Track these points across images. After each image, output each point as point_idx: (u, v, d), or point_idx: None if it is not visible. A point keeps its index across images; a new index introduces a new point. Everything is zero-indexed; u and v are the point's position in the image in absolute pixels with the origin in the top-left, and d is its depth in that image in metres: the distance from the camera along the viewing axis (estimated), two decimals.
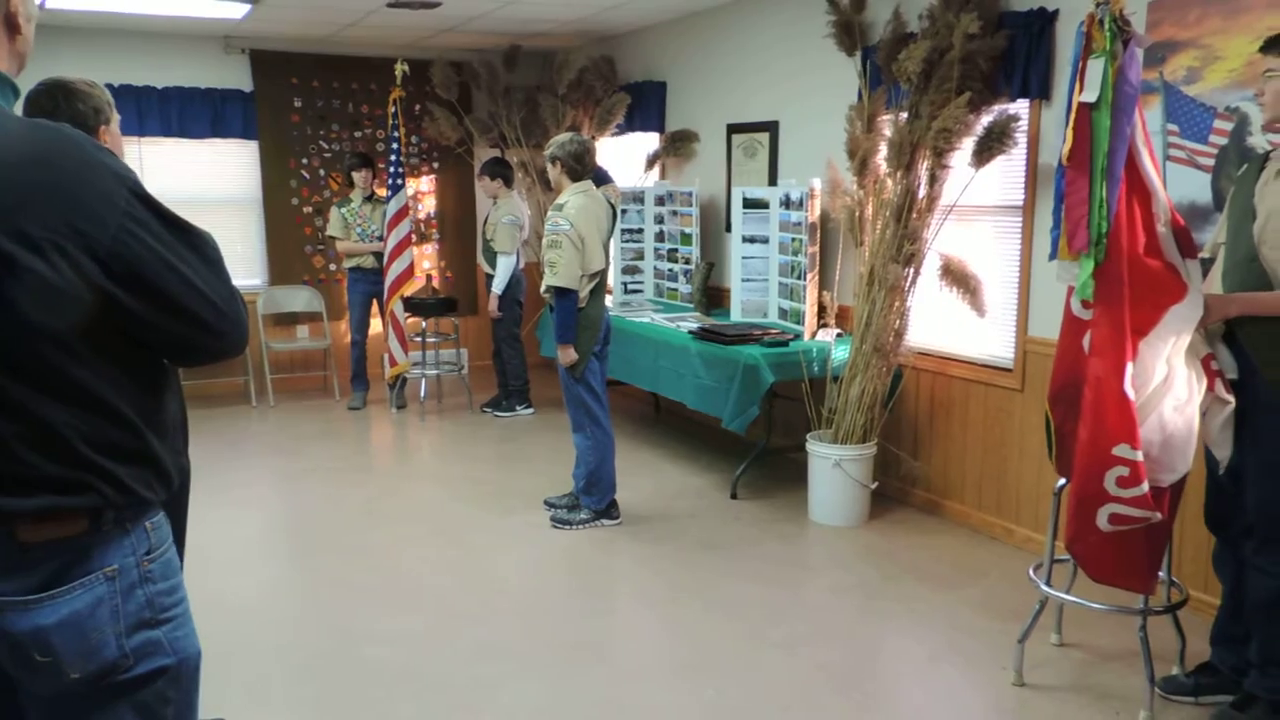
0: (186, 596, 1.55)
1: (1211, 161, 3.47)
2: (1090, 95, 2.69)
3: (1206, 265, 2.94)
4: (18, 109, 2.37)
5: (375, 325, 7.11)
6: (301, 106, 7.46)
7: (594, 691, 3.16)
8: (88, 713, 1.43)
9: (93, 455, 1.37)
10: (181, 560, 2.69)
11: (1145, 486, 2.69)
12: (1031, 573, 3.19)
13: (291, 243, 7.55)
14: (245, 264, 7.49)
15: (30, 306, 1.27)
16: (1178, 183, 3.55)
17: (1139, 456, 2.68)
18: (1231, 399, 2.79)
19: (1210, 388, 2.81)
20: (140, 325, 1.38)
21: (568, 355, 4.43)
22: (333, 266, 7.61)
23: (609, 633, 3.65)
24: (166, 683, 1.47)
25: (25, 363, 1.31)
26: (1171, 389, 2.76)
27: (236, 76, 7.25)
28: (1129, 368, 2.69)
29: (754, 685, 3.18)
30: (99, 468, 1.37)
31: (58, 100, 2.32)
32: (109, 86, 6.68)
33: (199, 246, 1.43)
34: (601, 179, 4.71)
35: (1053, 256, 2.88)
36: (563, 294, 4.37)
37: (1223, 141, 3.43)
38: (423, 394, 7.00)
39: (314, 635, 3.57)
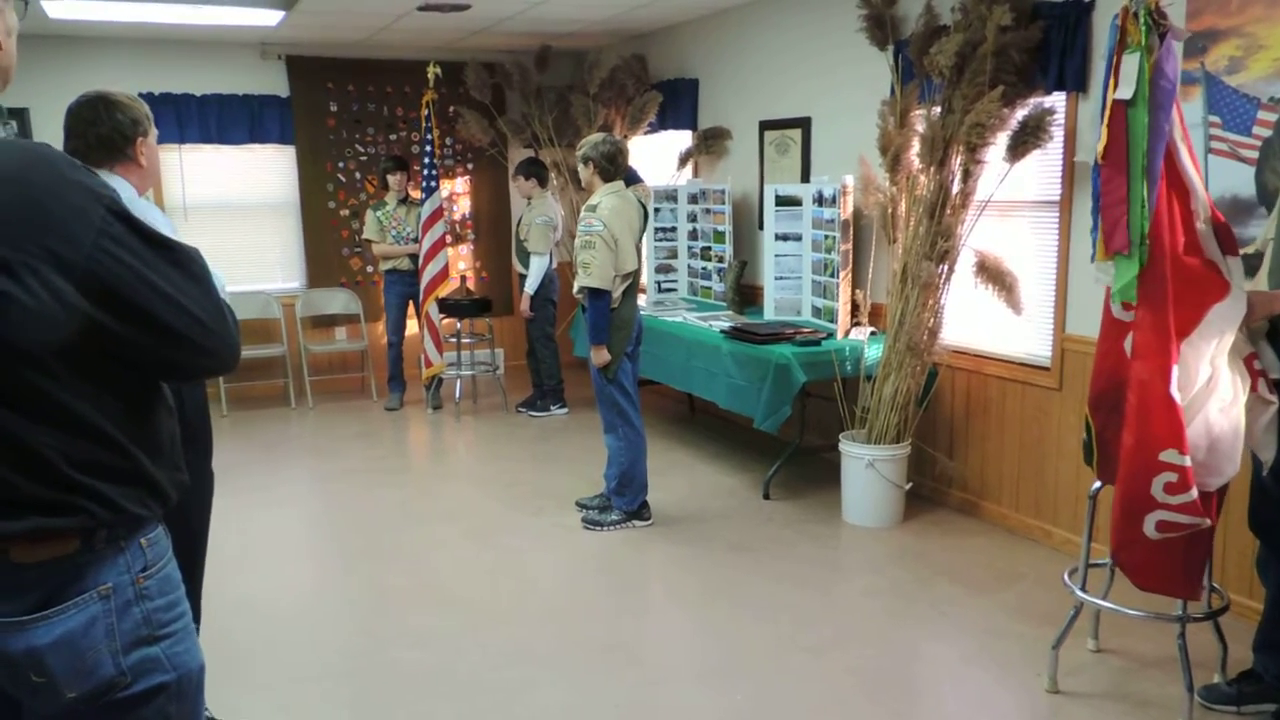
0: (188, 611, 1.53)
1: (1255, 154, 3.36)
2: (1125, 92, 2.62)
3: (1256, 261, 2.86)
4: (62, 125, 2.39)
5: (412, 326, 7.16)
6: (337, 111, 7.53)
7: (623, 694, 3.15)
8: None
9: (79, 476, 1.34)
10: (202, 567, 2.73)
11: (1194, 493, 2.62)
12: (1066, 577, 3.12)
13: (329, 245, 7.63)
14: (284, 267, 7.59)
15: (5, 330, 1.25)
16: (1220, 176, 3.45)
17: (1187, 462, 2.61)
18: (1275, 399, 2.71)
19: (1254, 388, 2.73)
20: (123, 345, 1.35)
21: (600, 356, 4.43)
22: (370, 269, 7.67)
23: (639, 635, 3.64)
24: (167, 699, 1.46)
25: (4, 386, 1.29)
26: (1216, 390, 2.68)
27: (273, 82, 7.33)
28: (1174, 371, 2.62)
29: (783, 689, 3.15)
30: (86, 488, 1.35)
31: (99, 110, 2.39)
32: (149, 95, 6.88)
33: (183, 263, 1.39)
34: (632, 179, 4.70)
35: (1095, 258, 2.81)
36: (596, 294, 4.36)
37: (1266, 133, 3.33)
38: (457, 394, 7.04)
39: (346, 636, 3.60)
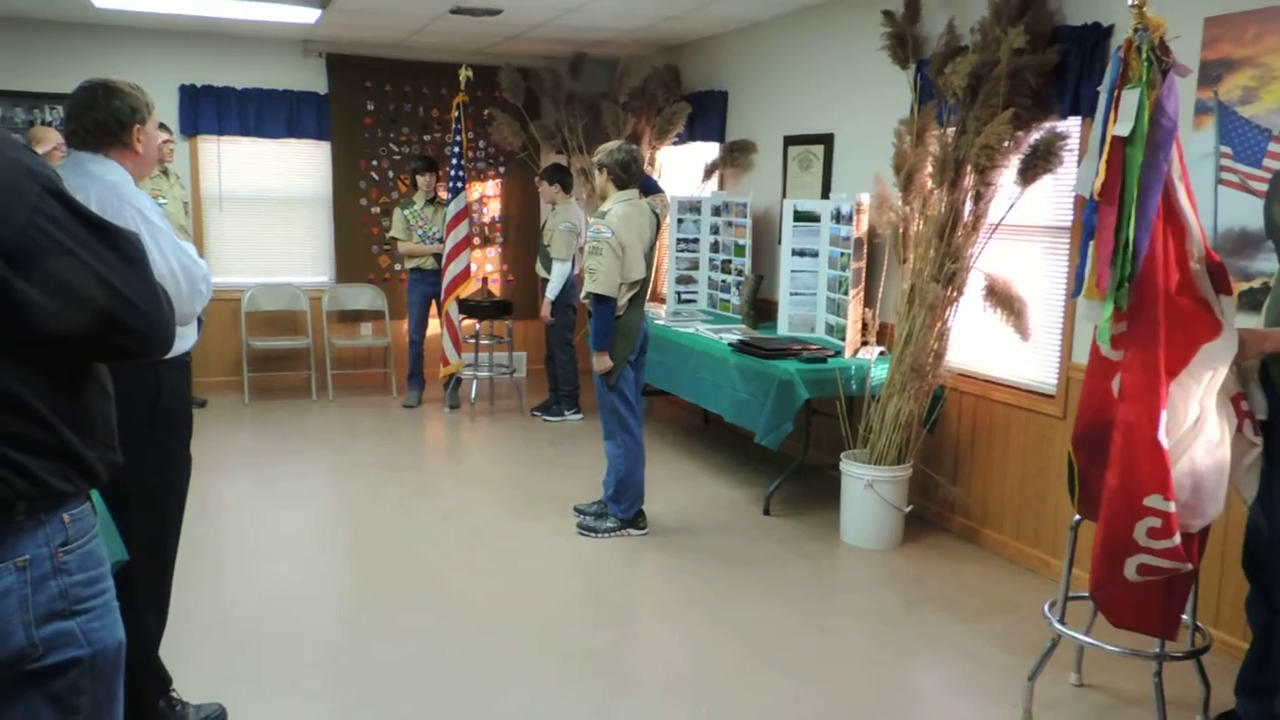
0: (111, 588, 1.55)
1: (1265, 186, 3.28)
2: (1124, 128, 2.56)
3: (1263, 296, 2.79)
4: None
5: (434, 326, 7.24)
6: (374, 109, 7.65)
7: (588, 703, 3.15)
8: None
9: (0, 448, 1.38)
10: (173, 550, 2.77)
11: (1178, 538, 2.56)
12: (1046, 609, 3.06)
13: (358, 242, 7.74)
14: (313, 261, 7.72)
15: None
16: (1229, 208, 3.38)
17: (1172, 508, 2.54)
18: (1259, 441, 2.64)
19: (1239, 428, 2.66)
20: (52, 320, 1.37)
21: (602, 362, 4.44)
22: (397, 266, 7.77)
23: (615, 644, 3.62)
24: (79, 674, 1.48)
25: None
26: (1203, 431, 2.62)
27: (313, 79, 7.47)
28: (1163, 415, 2.55)
29: (750, 707, 3.12)
30: (7, 460, 1.38)
31: (97, 96, 2.45)
32: (190, 87, 7.03)
33: (119, 245, 1.43)
34: (649, 188, 4.70)
35: (1077, 293, 2.76)
36: (601, 301, 4.38)
37: (1277, 165, 3.25)
38: (473, 395, 7.09)
39: (329, 629, 3.64)
